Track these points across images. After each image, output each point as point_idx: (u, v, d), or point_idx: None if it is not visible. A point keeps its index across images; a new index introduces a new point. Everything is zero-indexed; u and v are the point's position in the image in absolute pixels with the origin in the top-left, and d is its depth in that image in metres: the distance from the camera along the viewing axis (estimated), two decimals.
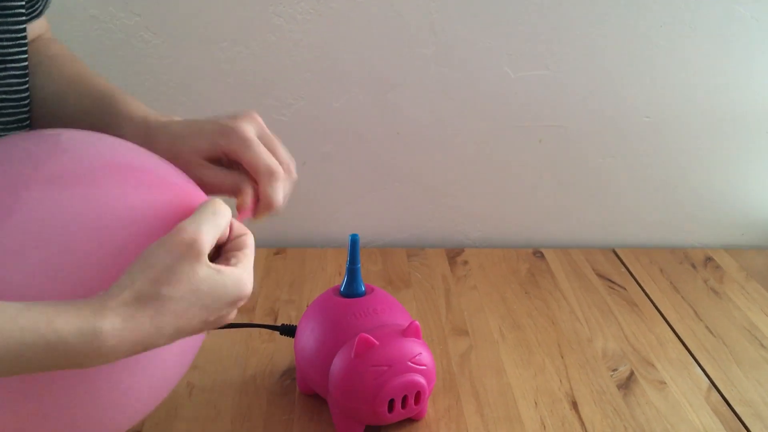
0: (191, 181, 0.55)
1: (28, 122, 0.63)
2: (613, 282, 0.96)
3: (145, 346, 0.44)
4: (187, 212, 0.48)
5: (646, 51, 0.98)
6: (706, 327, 0.86)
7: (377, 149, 1.02)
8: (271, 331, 0.79)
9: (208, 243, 0.46)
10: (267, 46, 0.95)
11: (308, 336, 0.68)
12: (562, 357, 0.80)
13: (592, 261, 1.01)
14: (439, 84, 0.98)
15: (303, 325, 0.70)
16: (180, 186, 0.53)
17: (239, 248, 0.49)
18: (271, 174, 0.54)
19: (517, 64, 0.98)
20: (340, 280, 0.93)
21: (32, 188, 0.46)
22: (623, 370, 0.78)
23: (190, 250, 0.45)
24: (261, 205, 0.55)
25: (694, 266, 1.01)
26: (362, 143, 1.01)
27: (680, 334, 0.85)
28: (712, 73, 1.00)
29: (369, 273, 0.96)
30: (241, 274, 0.47)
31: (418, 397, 0.65)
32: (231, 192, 0.56)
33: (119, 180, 0.49)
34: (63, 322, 0.41)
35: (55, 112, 0.64)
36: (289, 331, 0.74)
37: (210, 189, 0.55)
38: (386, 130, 1.01)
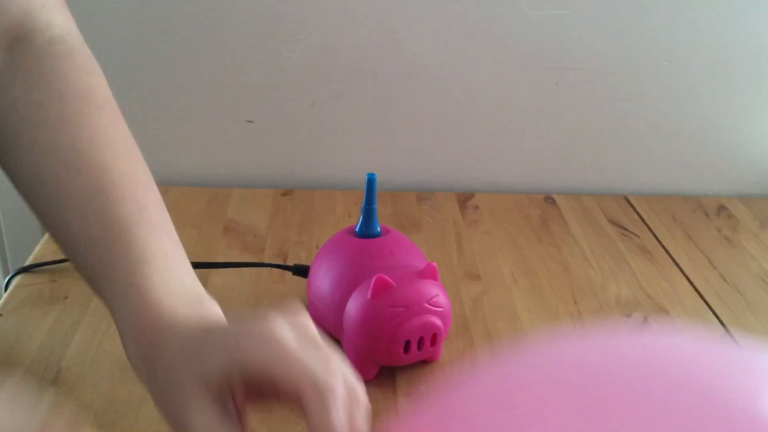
0: None
1: None
2: (626, 229, 0.95)
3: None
4: None
5: None
6: (720, 275, 0.86)
7: (388, 89, 0.99)
8: (281, 272, 0.77)
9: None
10: None
11: (322, 276, 0.67)
12: (576, 302, 0.79)
13: (604, 207, 1.00)
14: (454, 22, 0.95)
15: (317, 265, 0.68)
16: None
17: None
18: (320, 391, 0.36)
19: (536, 2, 0.94)
20: (349, 222, 0.92)
21: None
22: (637, 317, 0.77)
23: None
24: None
25: (707, 214, 1.00)
26: (373, 82, 0.98)
27: (694, 282, 0.84)
28: (735, 20, 0.97)
29: (379, 216, 0.93)
30: None
31: (435, 338, 0.64)
32: None
33: None
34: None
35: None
36: (301, 271, 0.73)
37: None
38: (398, 70, 0.98)
